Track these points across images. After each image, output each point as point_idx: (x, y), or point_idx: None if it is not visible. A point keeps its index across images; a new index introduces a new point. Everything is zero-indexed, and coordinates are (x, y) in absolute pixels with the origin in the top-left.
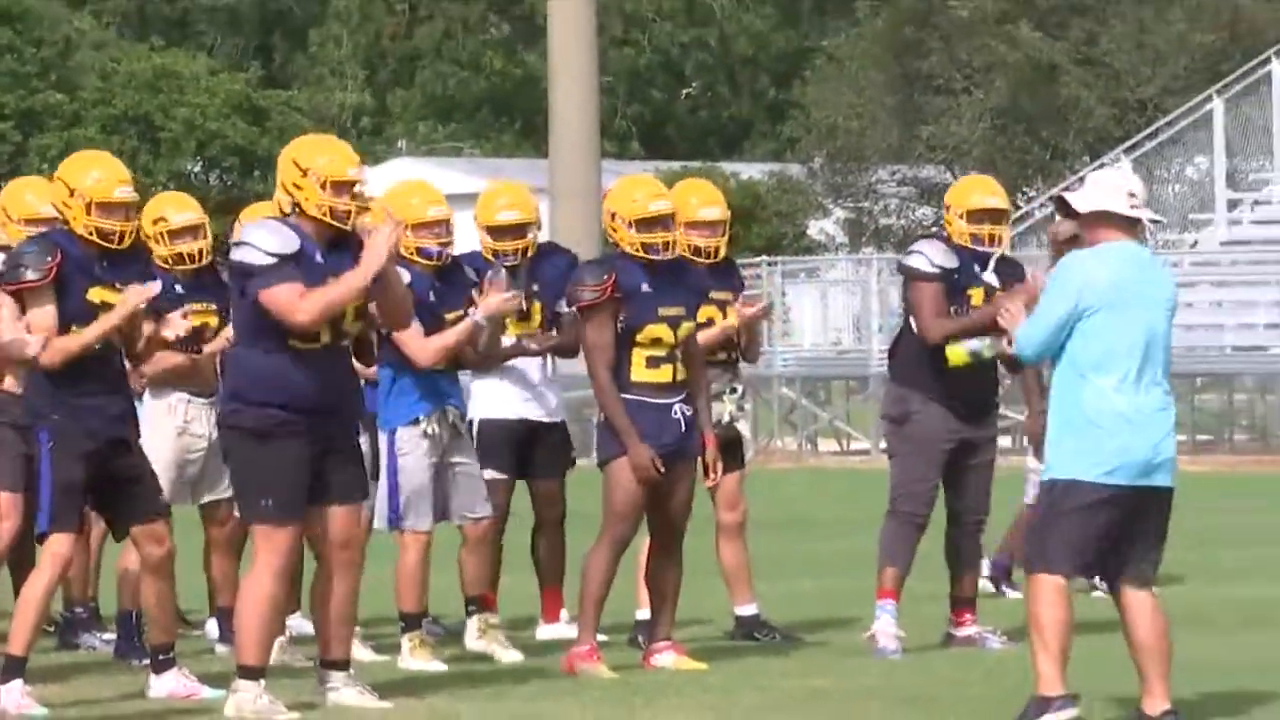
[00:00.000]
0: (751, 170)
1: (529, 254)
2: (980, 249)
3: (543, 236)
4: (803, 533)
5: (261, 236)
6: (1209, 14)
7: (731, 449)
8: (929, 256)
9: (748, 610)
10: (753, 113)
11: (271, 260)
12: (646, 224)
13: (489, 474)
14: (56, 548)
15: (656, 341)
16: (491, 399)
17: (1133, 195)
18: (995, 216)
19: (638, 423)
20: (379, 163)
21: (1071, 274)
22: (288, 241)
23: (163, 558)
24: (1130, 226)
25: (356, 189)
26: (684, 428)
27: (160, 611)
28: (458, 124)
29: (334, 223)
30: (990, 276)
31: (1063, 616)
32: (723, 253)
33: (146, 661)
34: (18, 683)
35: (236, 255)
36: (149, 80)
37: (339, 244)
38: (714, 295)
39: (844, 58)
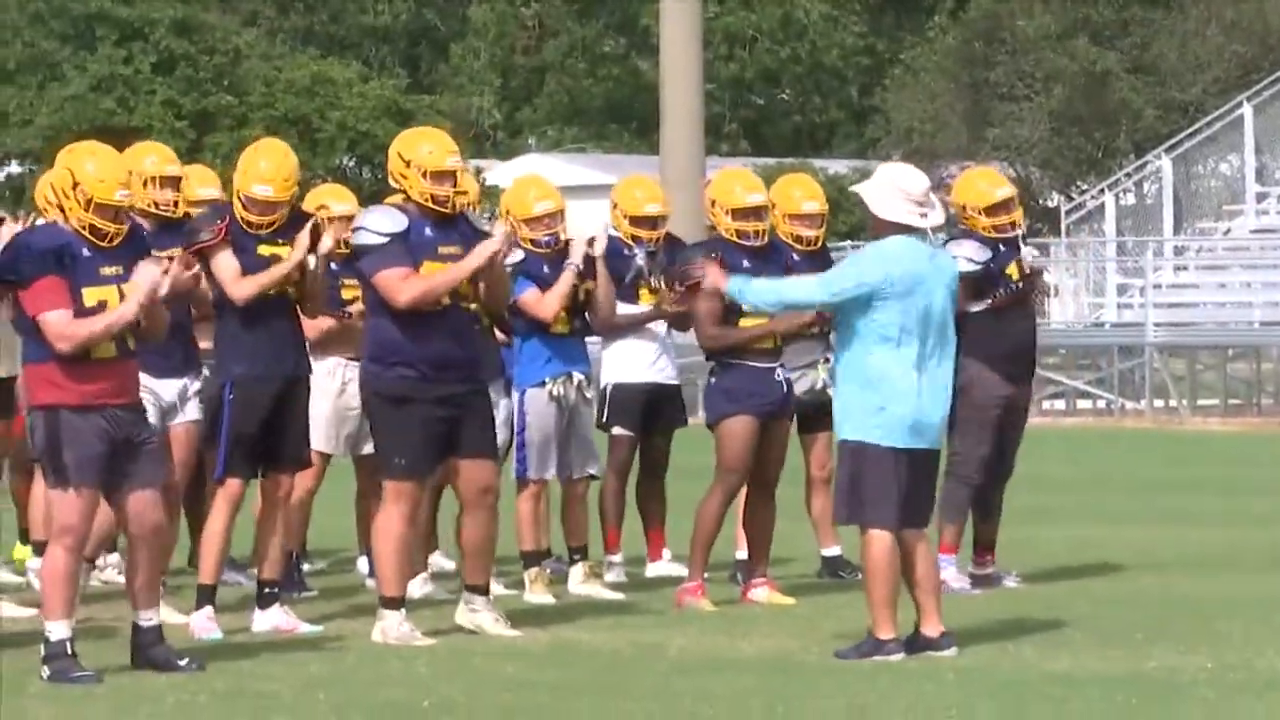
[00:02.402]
0: (838, 166)
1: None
2: (1004, 235)
3: None
4: None
5: (374, 219)
6: (1243, 28)
7: (822, 412)
8: (969, 256)
9: (832, 551)
10: (839, 116)
11: (382, 240)
12: (742, 213)
13: (618, 430)
14: (232, 490)
15: (757, 314)
16: (624, 364)
17: (920, 205)
18: (1008, 206)
19: (744, 385)
20: (511, 159)
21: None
22: (397, 222)
23: (283, 500)
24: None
25: (456, 176)
26: (784, 389)
27: (277, 547)
28: (581, 126)
29: (436, 208)
30: (1027, 252)
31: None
32: (822, 241)
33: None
34: (208, 609)
35: (355, 239)
36: (307, 86)
37: (446, 223)
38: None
39: (919, 69)
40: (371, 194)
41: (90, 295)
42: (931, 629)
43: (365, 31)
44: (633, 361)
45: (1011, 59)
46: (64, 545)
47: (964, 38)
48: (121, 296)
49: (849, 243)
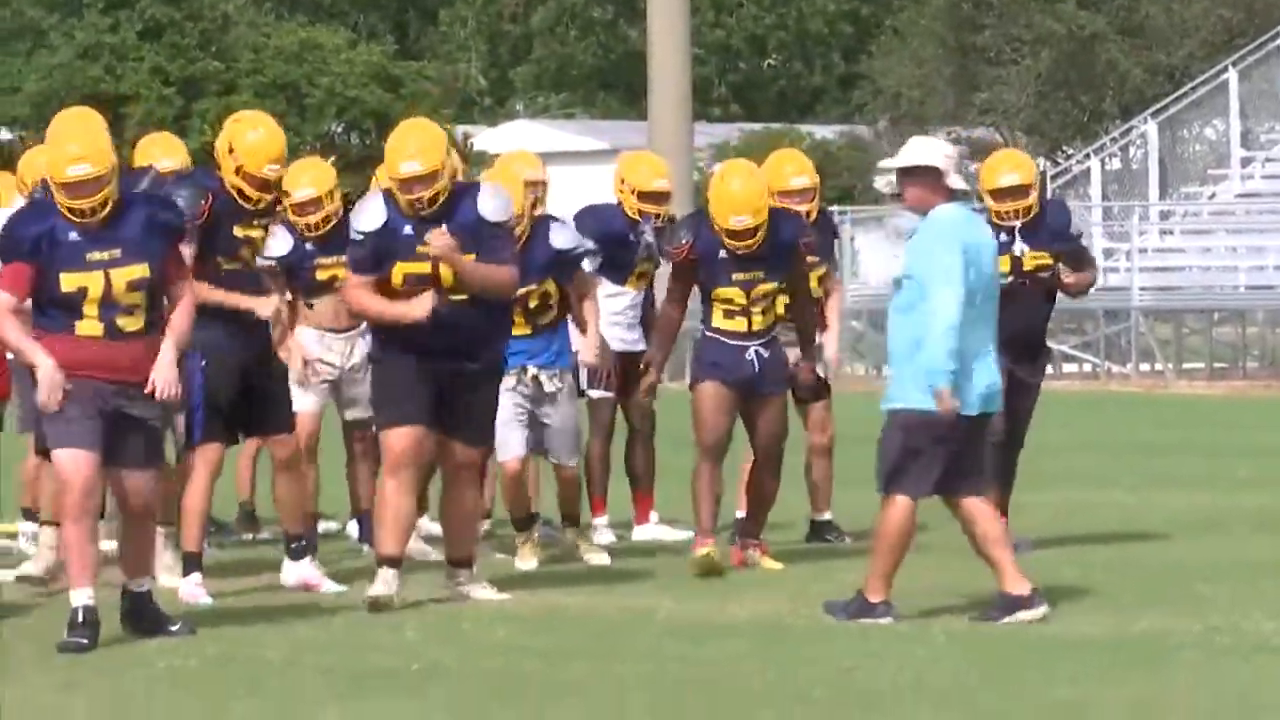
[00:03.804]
0: (825, 131)
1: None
2: (1005, 223)
3: None
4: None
5: (357, 216)
6: None
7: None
8: None
9: (823, 517)
10: (825, 82)
11: (357, 237)
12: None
13: (595, 393)
14: (210, 456)
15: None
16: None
17: (958, 170)
18: (1018, 193)
19: (712, 356)
20: (498, 124)
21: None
22: (374, 218)
23: (290, 458)
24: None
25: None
26: (754, 368)
27: (293, 504)
28: (569, 92)
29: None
30: (1020, 246)
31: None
32: (814, 216)
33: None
34: (195, 575)
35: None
36: (295, 52)
37: (425, 223)
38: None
39: (906, 33)
40: (361, 159)
41: (68, 281)
42: (1017, 587)
43: None
44: (604, 330)
45: (999, 22)
46: (66, 515)
47: (951, 1)
48: (108, 282)
49: (836, 208)
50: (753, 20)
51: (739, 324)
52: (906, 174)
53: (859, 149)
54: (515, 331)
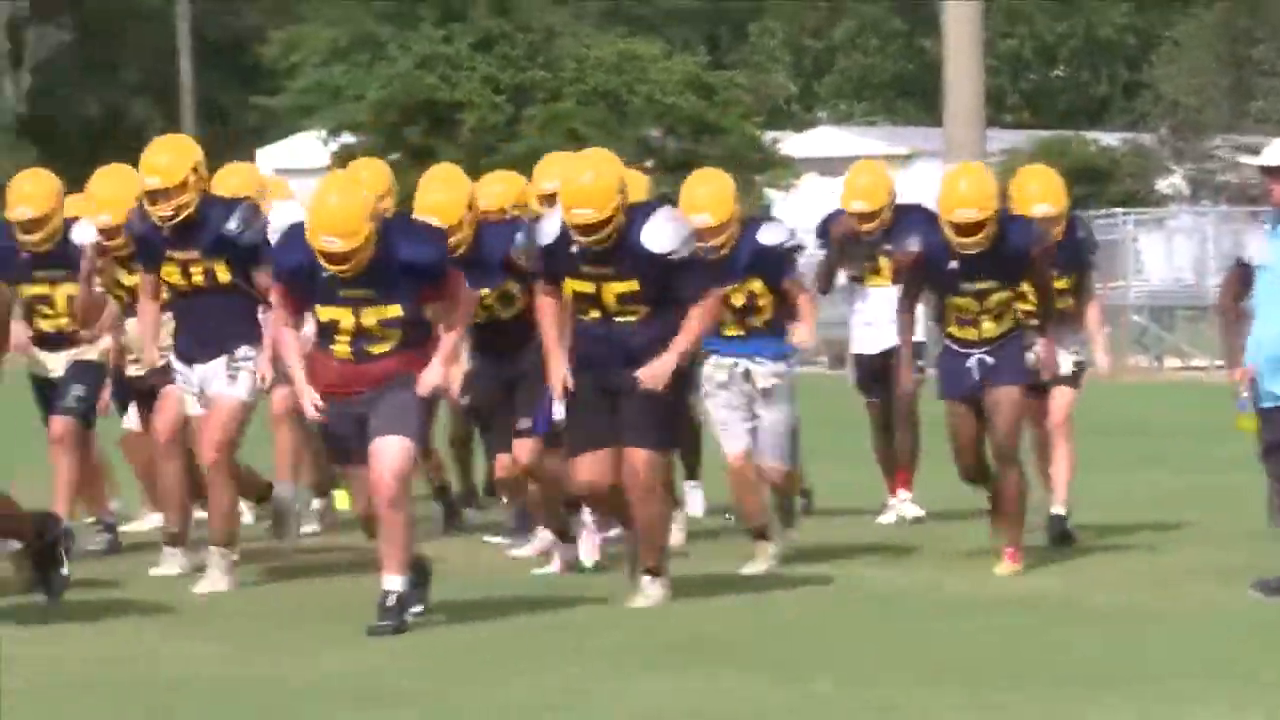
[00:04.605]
0: (1110, 138)
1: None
2: None
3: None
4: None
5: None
6: None
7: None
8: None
9: (1060, 510)
10: (1111, 90)
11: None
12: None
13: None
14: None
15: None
16: (861, 338)
17: None
18: None
19: (943, 366)
20: (804, 130)
21: None
22: (549, 233)
23: None
24: None
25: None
26: (974, 376)
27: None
28: (869, 100)
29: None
30: None
31: None
32: (1058, 236)
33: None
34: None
35: None
36: (615, 63)
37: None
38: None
39: (1185, 44)
40: (678, 163)
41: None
42: None
43: (668, 13)
44: (867, 336)
45: (1274, 36)
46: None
47: (1227, 14)
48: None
49: (1120, 210)
50: (1044, 29)
51: (969, 333)
52: (1270, 172)
53: (1141, 155)
54: (727, 332)
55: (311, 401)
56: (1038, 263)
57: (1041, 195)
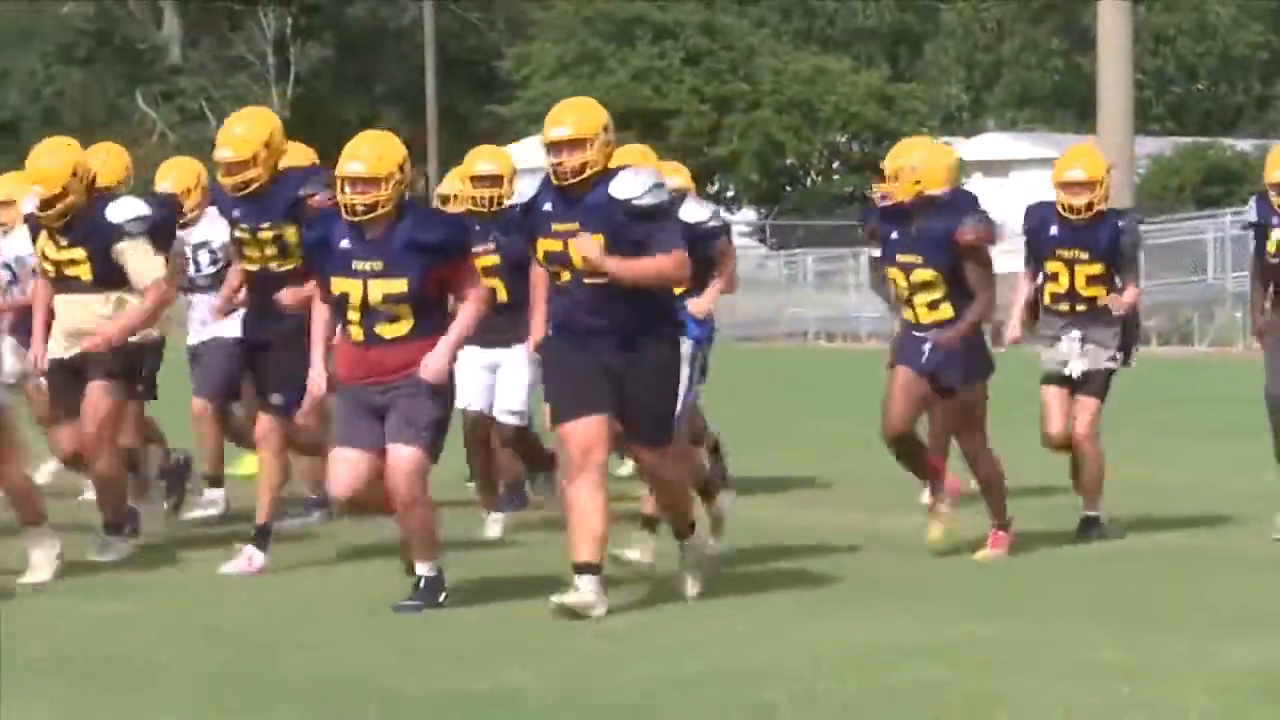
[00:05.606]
0: (1243, 144)
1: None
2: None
3: None
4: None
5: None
6: None
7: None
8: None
9: (1093, 512)
10: (1245, 101)
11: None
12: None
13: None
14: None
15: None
16: None
17: None
18: None
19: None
20: (972, 137)
21: None
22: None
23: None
24: None
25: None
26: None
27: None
28: (1031, 110)
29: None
30: None
31: None
32: (1095, 207)
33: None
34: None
35: None
36: (808, 76)
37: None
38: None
39: None
40: (860, 164)
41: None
42: None
43: (855, 32)
44: None
45: None
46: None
47: None
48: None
49: (1234, 208)
50: (1186, 48)
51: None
52: None
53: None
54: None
55: (315, 382)
56: (969, 249)
57: (1074, 161)
